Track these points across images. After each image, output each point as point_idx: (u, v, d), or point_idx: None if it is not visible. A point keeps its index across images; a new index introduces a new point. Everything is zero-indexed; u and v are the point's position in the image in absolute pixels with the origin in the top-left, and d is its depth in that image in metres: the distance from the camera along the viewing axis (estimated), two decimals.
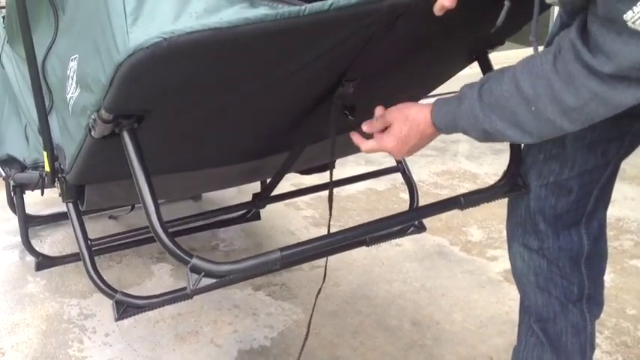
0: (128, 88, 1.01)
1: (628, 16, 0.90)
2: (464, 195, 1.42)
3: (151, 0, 1.00)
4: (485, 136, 1.17)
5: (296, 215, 2.76)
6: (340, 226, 2.58)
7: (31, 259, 2.23)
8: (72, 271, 2.31)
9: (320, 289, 1.57)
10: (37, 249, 2.28)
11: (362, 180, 2.26)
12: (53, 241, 2.53)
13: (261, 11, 1.01)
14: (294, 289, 2.25)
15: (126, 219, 2.58)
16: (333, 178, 1.64)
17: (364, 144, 1.31)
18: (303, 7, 0.99)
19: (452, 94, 1.22)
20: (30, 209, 2.32)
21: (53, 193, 1.66)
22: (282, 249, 1.21)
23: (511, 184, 1.40)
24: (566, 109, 1.04)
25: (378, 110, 1.30)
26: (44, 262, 2.17)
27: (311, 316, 1.61)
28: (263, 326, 2.07)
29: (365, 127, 1.31)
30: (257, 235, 2.61)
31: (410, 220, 1.35)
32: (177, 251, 1.12)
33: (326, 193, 2.17)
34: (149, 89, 1.05)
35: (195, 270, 1.12)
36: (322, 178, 2.11)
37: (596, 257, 1.42)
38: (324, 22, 1.03)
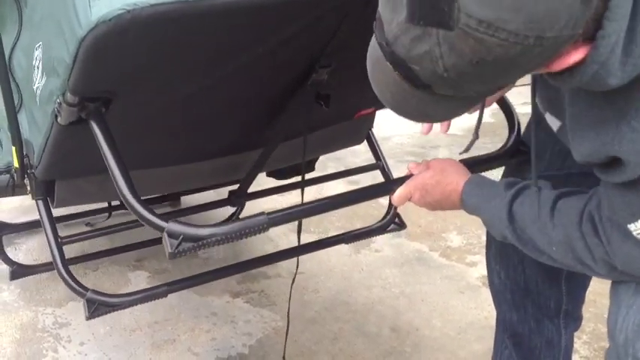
0: (92, 64, 0.99)
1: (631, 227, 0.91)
2: (465, 160, 1.36)
3: None
4: (503, 239, 1.18)
5: None
6: (320, 232, 2.57)
7: (5, 267, 2.19)
8: (47, 279, 2.27)
9: (293, 280, 1.54)
10: (12, 257, 2.24)
11: (342, 177, 2.24)
12: (28, 249, 2.49)
13: None
14: (273, 296, 2.23)
15: (102, 226, 2.54)
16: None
17: (395, 192, 1.25)
18: None
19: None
20: (5, 216, 2.28)
21: (28, 200, 1.63)
22: (268, 213, 1.15)
23: (514, 150, 1.39)
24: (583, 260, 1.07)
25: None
26: (19, 271, 2.14)
27: (288, 313, 1.59)
28: (241, 334, 2.05)
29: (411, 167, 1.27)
30: (235, 244, 2.58)
31: (386, 192, 1.31)
32: (151, 216, 1.07)
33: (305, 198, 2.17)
34: (114, 67, 1.03)
35: (172, 235, 1.06)
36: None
37: (578, 272, 1.40)
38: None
